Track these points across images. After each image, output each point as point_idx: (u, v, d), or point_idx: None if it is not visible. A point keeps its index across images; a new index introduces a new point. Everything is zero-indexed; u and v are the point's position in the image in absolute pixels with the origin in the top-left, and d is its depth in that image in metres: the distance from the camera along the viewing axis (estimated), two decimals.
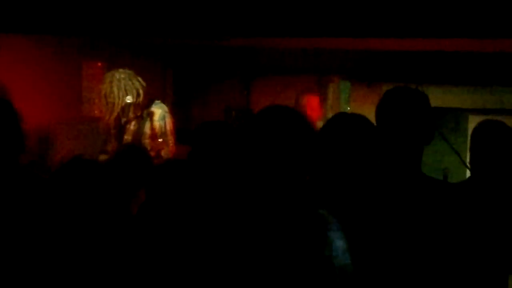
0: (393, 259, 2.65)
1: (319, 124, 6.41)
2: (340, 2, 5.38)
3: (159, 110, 5.93)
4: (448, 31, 5.21)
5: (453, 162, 5.54)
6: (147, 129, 5.86)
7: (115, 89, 5.74)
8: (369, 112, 2.96)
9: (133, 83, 5.80)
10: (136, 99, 5.83)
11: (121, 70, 5.78)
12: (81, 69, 6.90)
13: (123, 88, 5.78)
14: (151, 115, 5.86)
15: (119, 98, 5.75)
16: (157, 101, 5.92)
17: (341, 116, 2.98)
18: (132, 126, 5.90)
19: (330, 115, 7.00)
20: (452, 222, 2.68)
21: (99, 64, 6.50)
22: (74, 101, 6.78)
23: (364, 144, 2.82)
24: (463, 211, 2.74)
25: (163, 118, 5.93)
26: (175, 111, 7.32)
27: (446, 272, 2.64)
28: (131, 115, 5.84)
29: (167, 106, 5.99)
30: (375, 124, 2.86)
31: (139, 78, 5.85)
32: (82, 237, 3.04)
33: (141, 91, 5.84)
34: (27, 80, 6.27)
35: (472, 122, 6.94)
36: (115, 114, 5.81)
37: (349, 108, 7.33)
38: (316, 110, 6.63)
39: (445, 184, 3.34)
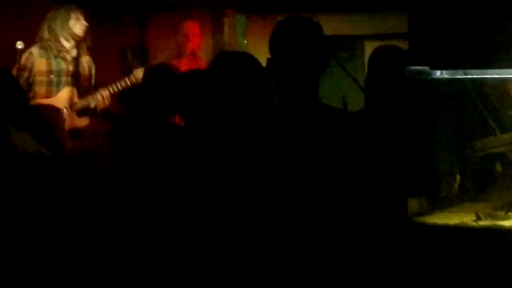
0: (290, 187, 2.67)
1: (202, 53, 6.40)
2: None
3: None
4: None
5: (352, 90, 5.61)
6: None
7: None
8: (266, 45, 2.95)
9: None
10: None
11: None
12: None
13: None
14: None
15: None
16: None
17: (225, 56, 3.02)
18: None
19: (227, 49, 6.95)
20: (350, 150, 2.72)
21: None
22: None
23: (249, 82, 2.86)
24: (361, 138, 2.78)
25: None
26: None
27: (344, 199, 2.69)
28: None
29: None
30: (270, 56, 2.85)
31: None
32: None
33: None
34: None
35: (368, 48, 7.01)
36: None
37: (246, 42, 7.28)
38: (197, 36, 6.57)
39: (344, 112, 3.38)
